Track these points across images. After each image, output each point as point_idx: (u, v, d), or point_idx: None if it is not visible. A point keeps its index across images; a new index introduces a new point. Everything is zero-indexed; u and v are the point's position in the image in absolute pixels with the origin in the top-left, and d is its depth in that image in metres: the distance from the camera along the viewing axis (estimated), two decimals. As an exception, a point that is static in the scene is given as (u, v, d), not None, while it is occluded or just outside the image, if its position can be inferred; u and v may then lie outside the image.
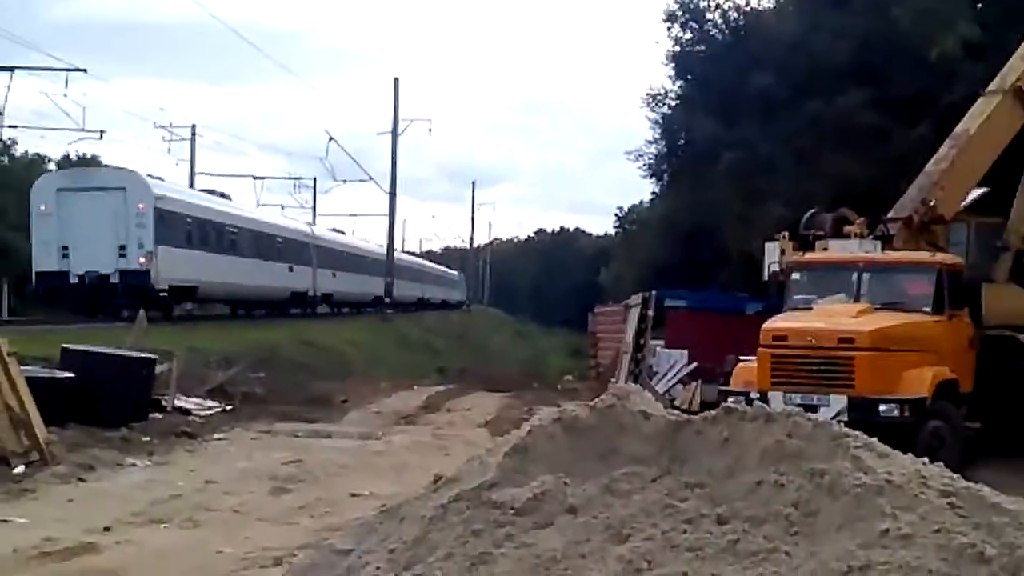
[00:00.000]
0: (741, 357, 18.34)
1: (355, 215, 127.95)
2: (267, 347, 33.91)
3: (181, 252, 34.47)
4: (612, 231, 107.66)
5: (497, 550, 5.18)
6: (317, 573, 5.87)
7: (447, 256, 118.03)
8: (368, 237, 66.37)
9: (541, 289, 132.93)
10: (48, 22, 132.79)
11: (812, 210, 18.51)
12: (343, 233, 63.06)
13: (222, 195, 45.33)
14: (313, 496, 11.40)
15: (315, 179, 68.63)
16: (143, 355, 18.10)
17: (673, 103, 34.96)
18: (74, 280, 32.17)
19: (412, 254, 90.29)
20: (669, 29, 34.45)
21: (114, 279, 32.06)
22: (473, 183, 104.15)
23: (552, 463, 5.73)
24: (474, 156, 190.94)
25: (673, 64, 34.32)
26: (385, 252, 57.77)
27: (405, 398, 30.74)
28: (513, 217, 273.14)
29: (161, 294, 33.31)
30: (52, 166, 70.09)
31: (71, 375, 15.51)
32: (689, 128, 32.41)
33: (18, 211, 58.60)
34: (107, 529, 9.35)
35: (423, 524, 5.61)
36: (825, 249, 17.26)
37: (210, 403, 21.43)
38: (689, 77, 33.61)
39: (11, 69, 35.70)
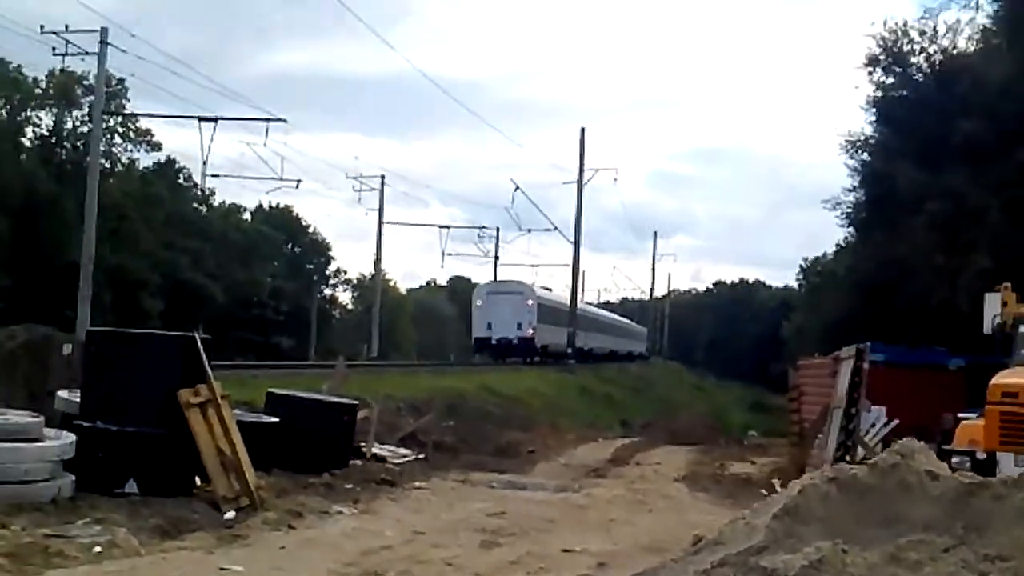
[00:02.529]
0: (959, 415, 17.38)
1: (537, 265, 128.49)
2: (454, 394, 34.03)
3: (545, 326, 58.65)
4: (793, 283, 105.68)
5: (770, 622, 4.71)
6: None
7: (624, 307, 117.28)
8: (552, 286, 75.68)
9: (719, 342, 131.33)
10: (242, 76, 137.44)
11: (1037, 260, 17.47)
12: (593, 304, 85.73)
13: (547, 288, 71.30)
14: (524, 551, 11.02)
15: (498, 229, 69.89)
16: (346, 401, 18.15)
17: (873, 149, 33.88)
18: (494, 342, 57.49)
19: (594, 305, 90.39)
20: (871, 74, 33.50)
21: (515, 341, 57.11)
22: (655, 233, 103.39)
23: (827, 527, 5.23)
24: (649, 206, 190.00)
25: (874, 109, 33.35)
26: (627, 321, 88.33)
27: (592, 450, 30.35)
28: (687, 269, 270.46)
29: (539, 349, 58.38)
30: (247, 215, 72.70)
31: (276, 419, 15.57)
32: (890, 175, 31.22)
33: (216, 259, 60.88)
34: (324, 580, 9.16)
35: (686, 591, 5.18)
36: (1053, 301, 16.23)
37: (403, 451, 21.39)
38: (890, 123, 32.53)
39: (215, 120, 36.75)
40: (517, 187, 58.89)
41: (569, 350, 58.03)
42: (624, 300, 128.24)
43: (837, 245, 67.32)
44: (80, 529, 10.68)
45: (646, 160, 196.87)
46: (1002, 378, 14.57)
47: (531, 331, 57.28)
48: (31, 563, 9.12)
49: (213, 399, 12.57)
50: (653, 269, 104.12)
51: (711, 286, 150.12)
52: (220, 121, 37.45)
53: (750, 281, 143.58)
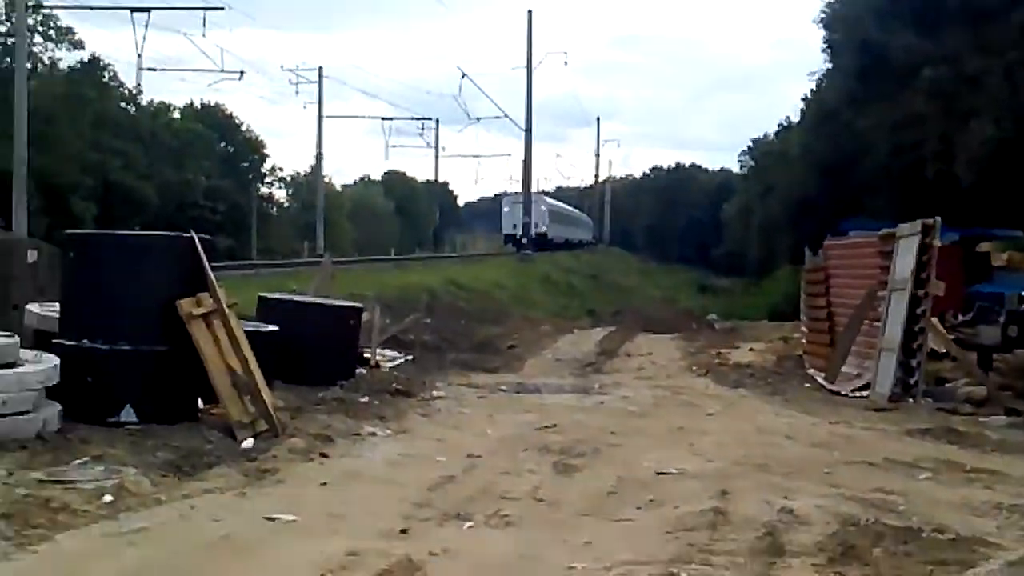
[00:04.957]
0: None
1: (479, 156, 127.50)
2: (423, 291, 32.33)
3: (553, 224, 79.28)
4: (729, 166, 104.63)
5: None
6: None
7: (561, 195, 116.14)
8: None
9: (658, 227, 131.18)
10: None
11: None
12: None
13: (549, 194, 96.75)
14: (613, 475, 9.21)
15: (437, 121, 70.98)
16: (350, 304, 16.27)
17: (862, 17, 31.98)
18: (519, 236, 69.19)
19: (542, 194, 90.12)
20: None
21: (534, 236, 66.35)
22: (598, 119, 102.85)
23: None
24: (576, 95, 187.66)
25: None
26: (577, 210, 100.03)
27: (574, 343, 29.01)
28: (618, 155, 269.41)
29: (551, 241, 75.58)
30: (176, 114, 69.29)
31: (275, 328, 13.64)
32: (882, 43, 29.44)
33: (147, 159, 57.75)
34: (404, 531, 7.30)
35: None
36: None
37: (390, 353, 19.72)
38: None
39: (148, 10, 34.02)
40: (464, 75, 56.97)
41: (524, 240, 57.97)
42: (559, 188, 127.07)
43: (779, 125, 66.47)
44: (79, 471, 8.75)
45: (569, 48, 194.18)
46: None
47: (544, 228, 75.43)
48: (34, 524, 7.16)
49: (218, 309, 10.60)
50: (597, 156, 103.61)
51: (648, 171, 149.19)
52: (154, 12, 34.89)
53: (686, 165, 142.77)
